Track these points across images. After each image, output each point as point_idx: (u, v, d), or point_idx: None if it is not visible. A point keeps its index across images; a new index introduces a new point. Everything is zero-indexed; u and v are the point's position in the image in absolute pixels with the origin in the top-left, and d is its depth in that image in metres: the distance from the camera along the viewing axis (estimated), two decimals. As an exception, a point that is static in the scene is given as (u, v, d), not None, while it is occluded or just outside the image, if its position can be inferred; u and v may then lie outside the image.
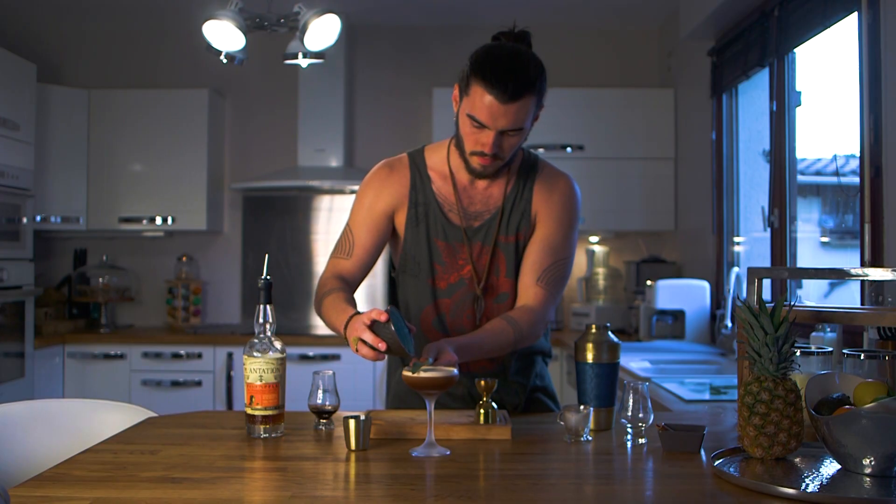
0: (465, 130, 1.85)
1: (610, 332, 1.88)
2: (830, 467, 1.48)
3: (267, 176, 4.80)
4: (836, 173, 3.05)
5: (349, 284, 1.99)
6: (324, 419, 1.85)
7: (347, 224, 2.07)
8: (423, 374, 1.63)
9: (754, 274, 1.77)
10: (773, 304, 1.54)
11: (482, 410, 1.81)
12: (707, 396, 2.65)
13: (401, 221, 2.03)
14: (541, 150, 4.62)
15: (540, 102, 1.85)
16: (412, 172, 2.04)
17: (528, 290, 1.97)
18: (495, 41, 1.91)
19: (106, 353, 4.49)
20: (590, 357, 1.85)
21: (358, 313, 1.75)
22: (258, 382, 1.73)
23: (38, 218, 4.57)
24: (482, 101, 1.77)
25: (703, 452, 1.61)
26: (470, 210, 2.00)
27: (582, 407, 1.74)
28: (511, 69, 1.78)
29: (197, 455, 1.60)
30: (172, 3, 4.62)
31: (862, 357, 1.66)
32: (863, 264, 2.59)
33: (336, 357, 4.43)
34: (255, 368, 1.73)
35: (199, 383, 4.45)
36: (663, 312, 4.10)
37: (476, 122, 1.80)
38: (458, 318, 2.00)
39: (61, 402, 2.07)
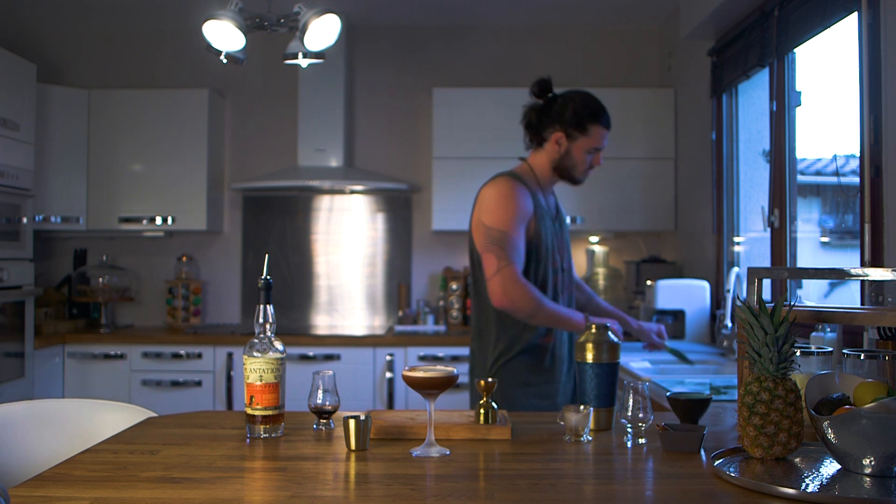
0: (581, 159, 2.63)
1: (610, 332, 1.88)
2: (830, 467, 1.48)
3: (267, 176, 4.80)
4: (836, 173, 3.05)
5: None
6: (324, 419, 1.85)
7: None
8: (423, 374, 1.63)
9: (754, 274, 1.77)
10: (773, 304, 1.54)
11: (482, 410, 1.81)
12: (707, 396, 2.64)
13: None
14: (541, 150, 4.62)
15: None
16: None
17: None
18: (546, 89, 2.66)
19: (106, 353, 4.49)
20: (590, 357, 1.85)
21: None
22: (258, 382, 1.73)
23: (38, 218, 4.58)
24: (599, 134, 2.62)
25: (703, 452, 1.61)
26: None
27: (582, 407, 1.74)
28: (604, 107, 2.63)
29: (197, 455, 1.60)
30: (172, 3, 4.62)
31: (862, 357, 1.66)
32: (863, 264, 2.58)
33: (336, 357, 4.43)
34: (255, 368, 1.74)
35: (199, 383, 4.45)
36: (663, 312, 4.10)
37: (595, 150, 2.64)
38: None
39: (61, 402, 2.07)
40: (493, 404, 1.82)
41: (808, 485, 1.38)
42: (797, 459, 1.53)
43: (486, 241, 2.49)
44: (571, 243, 5.12)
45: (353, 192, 5.02)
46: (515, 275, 2.43)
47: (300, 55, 3.38)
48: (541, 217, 2.59)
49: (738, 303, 1.59)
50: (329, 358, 4.43)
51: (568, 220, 2.93)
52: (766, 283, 2.36)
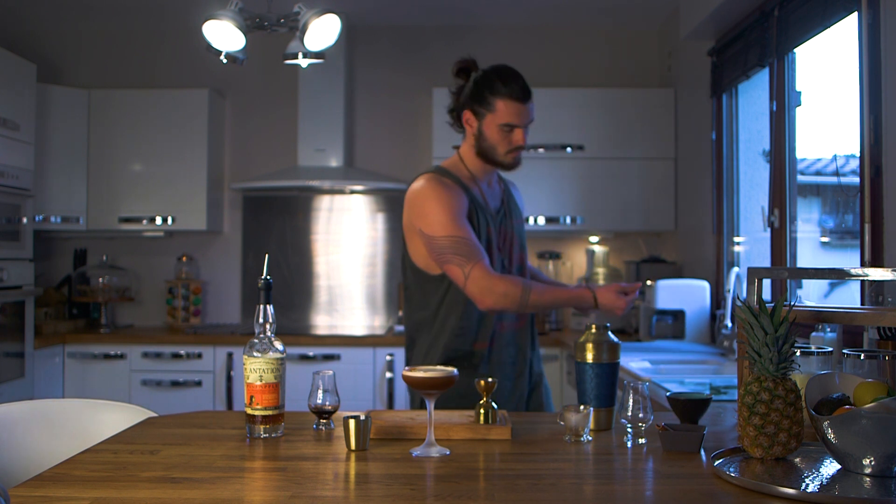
0: (496, 139, 2.33)
1: (610, 332, 1.88)
2: (830, 467, 1.48)
3: (267, 176, 4.80)
4: (836, 173, 3.05)
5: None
6: (324, 419, 1.85)
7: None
8: (422, 374, 1.63)
9: (754, 274, 1.77)
10: (773, 304, 1.54)
11: (482, 410, 1.81)
12: (707, 396, 2.64)
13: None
14: (541, 150, 4.62)
15: None
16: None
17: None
18: (468, 70, 2.40)
19: (106, 353, 4.49)
20: (590, 357, 1.85)
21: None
22: (258, 382, 1.73)
23: (38, 218, 4.57)
24: (508, 108, 2.29)
25: (703, 452, 1.61)
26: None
27: (582, 407, 1.74)
28: (517, 77, 2.33)
29: (197, 455, 1.60)
30: (172, 3, 4.61)
31: (862, 357, 1.66)
32: (863, 264, 2.58)
33: (336, 357, 4.43)
34: (255, 368, 1.74)
35: (199, 383, 4.45)
36: (663, 312, 4.10)
37: (508, 127, 2.30)
38: None
39: (61, 402, 2.07)
40: (493, 404, 1.82)
41: (808, 485, 1.38)
42: (797, 459, 1.53)
43: (439, 254, 2.26)
44: (571, 243, 5.17)
45: (353, 192, 5.02)
46: (484, 270, 2.21)
47: (300, 55, 3.38)
48: (472, 210, 2.34)
49: (738, 303, 1.59)
50: (329, 358, 4.43)
51: (525, 213, 2.63)
52: (766, 283, 2.36)
